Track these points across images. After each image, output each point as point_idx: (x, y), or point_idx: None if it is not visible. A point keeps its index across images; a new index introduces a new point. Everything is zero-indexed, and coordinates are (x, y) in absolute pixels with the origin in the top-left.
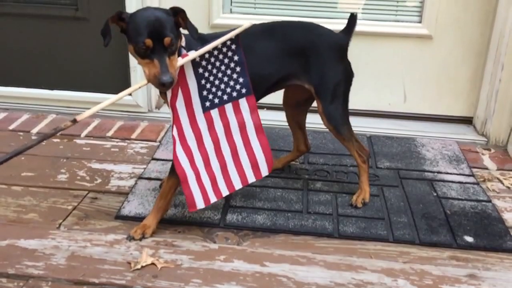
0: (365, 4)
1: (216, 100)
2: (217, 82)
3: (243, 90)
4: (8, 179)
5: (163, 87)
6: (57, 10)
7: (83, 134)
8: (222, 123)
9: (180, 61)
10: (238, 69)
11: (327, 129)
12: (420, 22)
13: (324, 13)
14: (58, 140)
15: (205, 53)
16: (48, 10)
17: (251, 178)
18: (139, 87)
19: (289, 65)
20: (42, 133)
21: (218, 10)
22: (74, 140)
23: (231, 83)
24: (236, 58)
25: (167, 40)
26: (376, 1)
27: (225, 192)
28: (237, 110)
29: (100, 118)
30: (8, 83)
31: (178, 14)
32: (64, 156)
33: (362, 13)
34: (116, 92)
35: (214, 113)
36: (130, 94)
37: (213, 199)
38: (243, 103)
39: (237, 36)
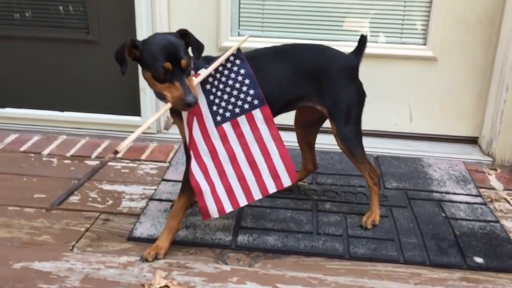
0: (370, 27)
1: (228, 114)
2: (226, 96)
3: (256, 102)
4: (21, 201)
5: (188, 107)
6: (69, 33)
7: (93, 155)
8: (236, 136)
9: (195, 80)
10: (247, 81)
11: (339, 150)
12: (425, 44)
13: (330, 36)
14: (69, 161)
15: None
16: (60, 34)
17: (272, 188)
18: (165, 111)
19: (300, 87)
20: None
21: (226, 33)
22: (85, 161)
23: (242, 95)
24: (242, 71)
25: (184, 62)
26: (381, 23)
27: (243, 202)
28: (251, 122)
29: (109, 139)
30: (19, 105)
31: (185, 36)
32: (75, 178)
33: (369, 35)
34: (126, 113)
35: (227, 126)
36: (147, 127)
37: (229, 208)
38: (257, 114)
39: (238, 50)
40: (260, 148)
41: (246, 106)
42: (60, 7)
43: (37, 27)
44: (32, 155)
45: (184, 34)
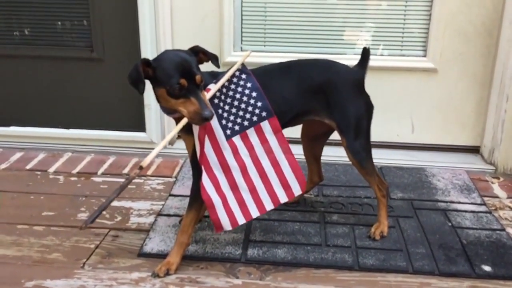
0: (371, 40)
1: (237, 127)
2: (234, 110)
3: (263, 114)
4: (30, 219)
5: (206, 121)
6: (73, 51)
7: (99, 172)
8: (247, 148)
9: (207, 95)
10: (254, 94)
11: (343, 162)
12: (425, 56)
13: (332, 49)
14: (75, 178)
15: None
16: (65, 52)
17: (283, 198)
18: (182, 126)
19: (307, 102)
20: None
21: (229, 48)
22: (91, 178)
23: (250, 108)
24: (249, 84)
25: (198, 78)
26: (382, 36)
27: (255, 213)
28: (260, 134)
29: (115, 155)
30: (24, 123)
31: (198, 53)
32: (82, 195)
33: (370, 48)
34: (131, 130)
35: (237, 139)
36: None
37: (241, 221)
38: (265, 126)
39: (243, 65)
40: (270, 160)
41: (255, 118)
42: (64, 25)
43: (41, 46)
44: (38, 173)
45: (196, 51)
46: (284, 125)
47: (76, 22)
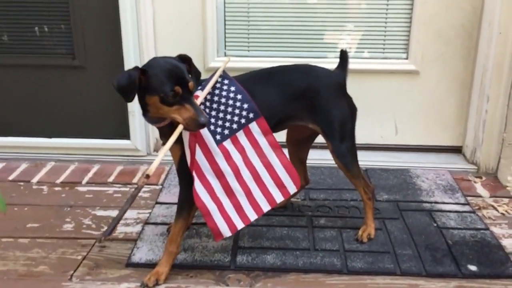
0: (354, 43)
1: (226, 131)
2: (221, 114)
3: (251, 115)
4: (14, 231)
5: (201, 127)
6: (54, 59)
7: (84, 181)
8: (238, 152)
9: (197, 102)
10: (239, 96)
11: (329, 165)
12: (407, 58)
13: (315, 53)
14: (59, 188)
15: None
16: (46, 60)
17: (279, 198)
18: (179, 133)
19: (290, 108)
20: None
21: (212, 53)
22: (76, 188)
23: (237, 111)
24: (233, 88)
25: (191, 84)
26: (364, 40)
27: (253, 216)
28: (249, 135)
29: (99, 163)
30: (5, 133)
31: (186, 61)
32: (67, 205)
33: (352, 51)
34: (115, 137)
35: (228, 144)
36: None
37: (240, 225)
38: (253, 127)
39: (224, 72)
40: (261, 161)
41: (243, 120)
42: (44, 32)
43: (21, 54)
44: (22, 183)
45: (185, 59)
46: None
47: (56, 29)
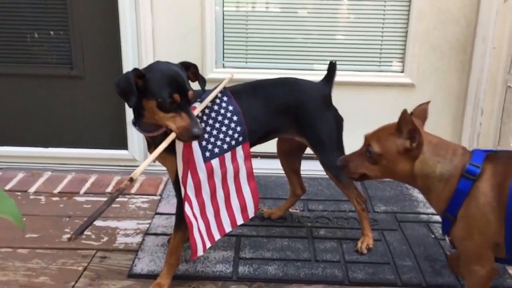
0: (351, 57)
1: (216, 150)
2: (215, 132)
3: (240, 138)
4: (13, 242)
5: (195, 139)
6: (52, 69)
7: (82, 191)
8: (221, 172)
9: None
10: (235, 118)
11: (326, 176)
12: (402, 71)
13: (313, 65)
14: (57, 198)
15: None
16: (43, 70)
17: (240, 221)
18: (171, 140)
19: (276, 121)
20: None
21: (211, 65)
22: (74, 198)
23: (230, 132)
24: (230, 108)
25: (191, 94)
26: (361, 53)
27: (217, 236)
28: (233, 158)
29: (96, 173)
30: (1, 142)
31: (189, 68)
32: (66, 215)
33: (349, 64)
34: (112, 147)
35: (215, 162)
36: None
37: (208, 244)
38: (239, 150)
39: (224, 88)
40: (235, 184)
41: (233, 142)
42: (43, 42)
43: (19, 64)
44: (19, 193)
45: (187, 66)
46: (255, 143)
47: (55, 39)
